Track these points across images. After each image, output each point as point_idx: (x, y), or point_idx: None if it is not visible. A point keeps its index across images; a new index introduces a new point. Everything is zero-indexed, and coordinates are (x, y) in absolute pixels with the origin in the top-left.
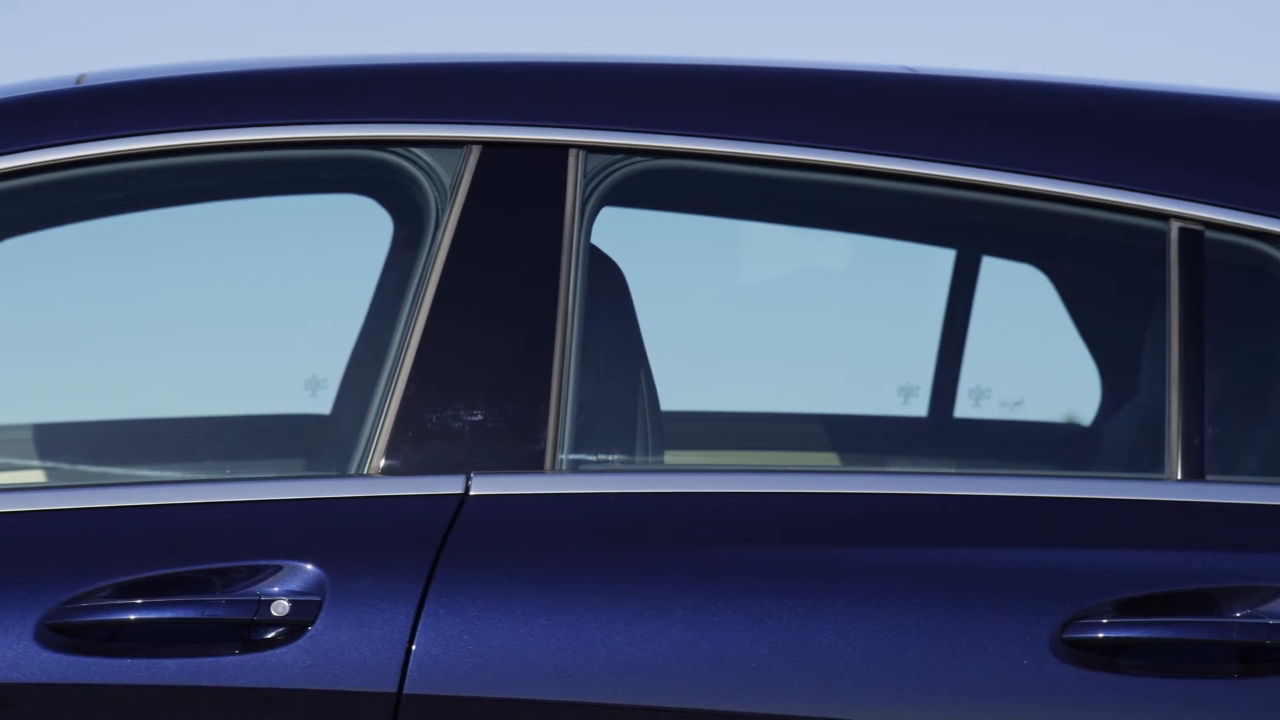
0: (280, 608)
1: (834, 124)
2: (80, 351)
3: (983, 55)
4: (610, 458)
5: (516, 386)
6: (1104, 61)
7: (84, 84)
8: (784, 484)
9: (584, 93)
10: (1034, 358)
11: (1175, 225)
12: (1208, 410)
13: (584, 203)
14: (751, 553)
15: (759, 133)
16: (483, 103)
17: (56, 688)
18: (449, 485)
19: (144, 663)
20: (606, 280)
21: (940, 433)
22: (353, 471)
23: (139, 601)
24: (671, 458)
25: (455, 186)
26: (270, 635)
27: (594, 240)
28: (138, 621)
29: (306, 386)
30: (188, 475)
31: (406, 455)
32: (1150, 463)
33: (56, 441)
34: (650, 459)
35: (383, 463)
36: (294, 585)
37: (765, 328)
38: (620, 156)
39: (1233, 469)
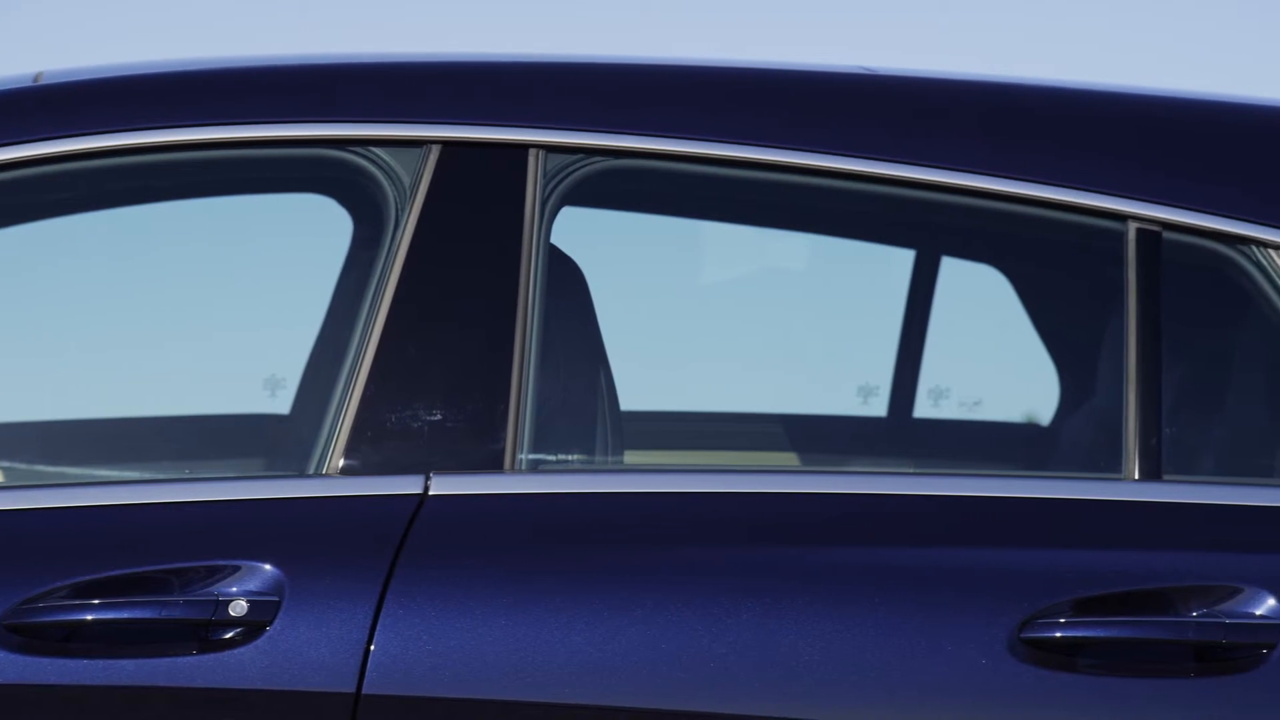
0: (238, 608)
1: (793, 124)
2: (37, 351)
3: (974, 56)
4: (570, 457)
5: (476, 386)
6: (1093, 63)
7: (40, 82)
8: (743, 484)
9: (544, 93)
10: (993, 358)
11: (1133, 226)
12: (1165, 410)
13: (544, 202)
14: (711, 553)
15: (718, 133)
16: (442, 102)
17: (13, 688)
18: (408, 485)
19: (101, 663)
20: (566, 280)
21: (899, 433)
22: (312, 471)
23: (96, 602)
24: (631, 458)
25: (415, 186)
26: (228, 635)
27: (554, 240)
28: (95, 622)
29: (265, 386)
30: (146, 475)
31: (365, 455)
32: (1108, 463)
33: (13, 441)
34: (610, 459)
35: (342, 462)
36: (252, 585)
37: (725, 328)
38: (580, 156)
39: (1190, 469)
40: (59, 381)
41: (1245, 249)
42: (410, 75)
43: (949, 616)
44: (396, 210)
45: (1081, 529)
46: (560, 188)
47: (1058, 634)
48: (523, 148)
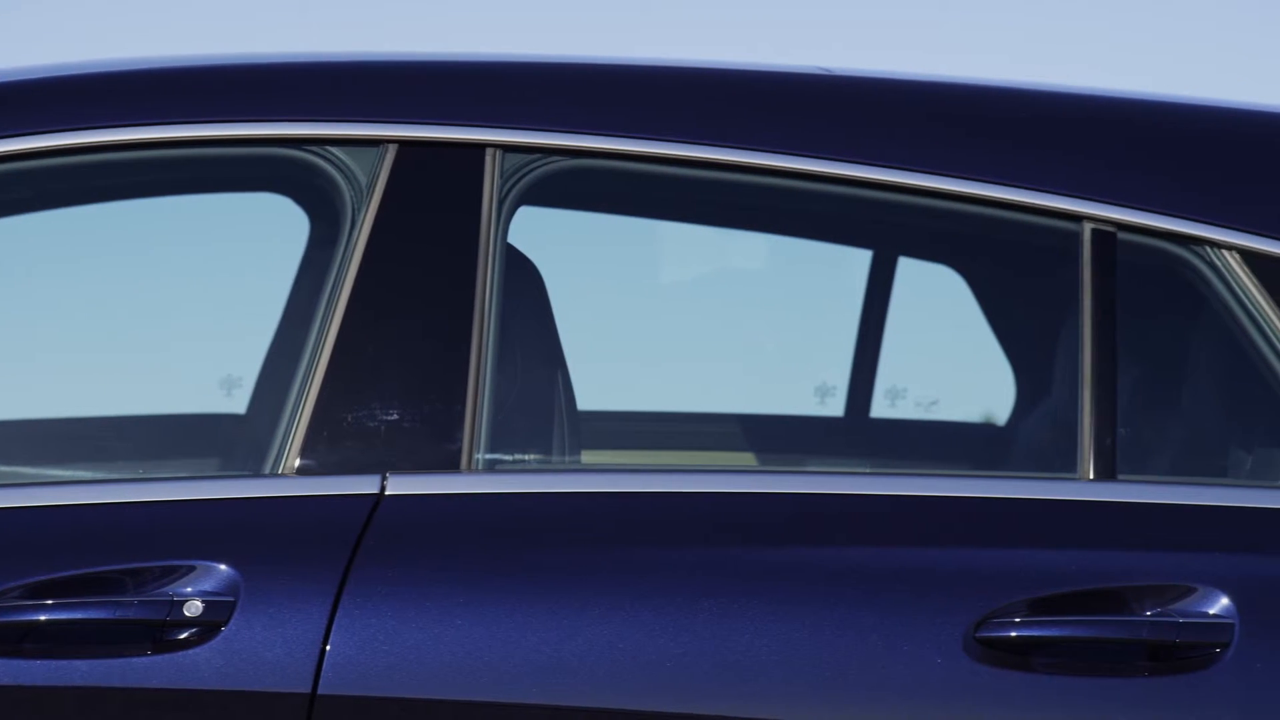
0: (193, 608)
1: (750, 124)
2: None
3: (966, 56)
4: (527, 457)
5: (433, 386)
6: (1079, 64)
7: None
8: (700, 484)
9: (501, 92)
10: (949, 358)
11: (1088, 226)
12: (1120, 411)
13: (501, 202)
14: (668, 553)
15: (675, 133)
16: (399, 102)
17: None
18: (364, 485)
19: (55, 664)
20: (523, 280)
21: (856, 433)
22: (268, 471)
23: (50, 602)
24: (588, 457)
25: (371, 186)
26: (183, 636)
27: (511, 240)
28: (49, 622)
29: (221, 386)
30: (101, 475)
31: (322, 455)
32: (1063, 463)
33: None
34: (567, 459)
35: (298, 462)
36: (207, 585)
37: (682, 327)
38: (537, 156)
39: (1144, 469)
40: (12, 381)
41: (1200, 250)
42: (367, 75)
43: (905, 616)
44: (353, 210)
45: (1037, 529)
46: (517, 187)
47: (1013, 633)
48: (479, 147)
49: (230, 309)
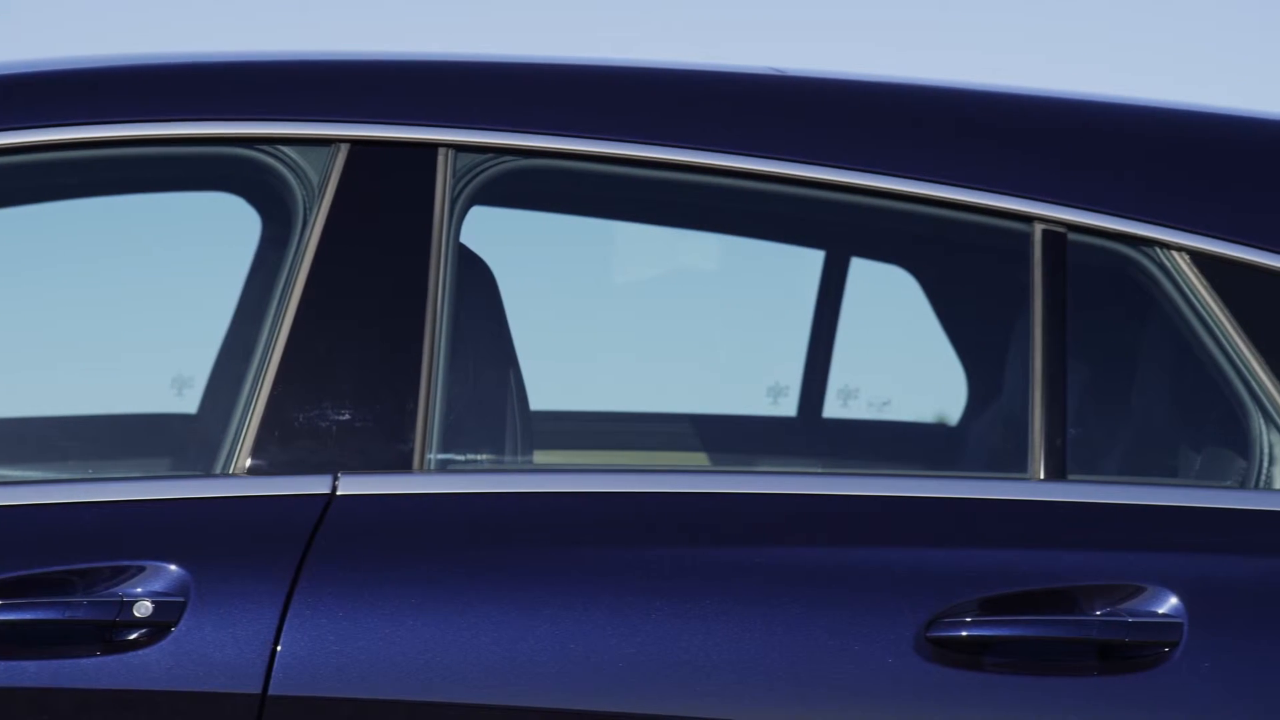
0: (143, 608)
1: (703, 125)
2: None
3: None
4: (479, 457)
5: (385, 386)
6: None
7: None
8: (653, 484)
9: (453, 91)
10: (902, 358)
11: (1039, 228)
12: (1070, 411)
13: (453, 202)
14: (620, 553)
15: (628, 133)
16: (351, 101)
17: None
18: (316, 485)
19: (3, 665)
20: (476, 280)
21: (809, 433)
22: (219, 471)
23: None
24: (541, 457)
25: (323, 185)
26: (133, 636)
27: (463, 240)
28: None
29: (172, 385)
30: (50, 475)
31: (273, 455)
32: (1014, 463)
33: None
34: (519, 459)
35: (249, 462)
36: (157, 586)
37: (635, 327)
38: (489, 156)
39: (1094, 469)
40: None
41: (1150, 251)
42: (318, 74)
43: (857, 616)
44: (305, 209)
45: (987, 529)
46: (470, 187)
47: (963, 633)
48: (432, 147)
49: (182, 308)
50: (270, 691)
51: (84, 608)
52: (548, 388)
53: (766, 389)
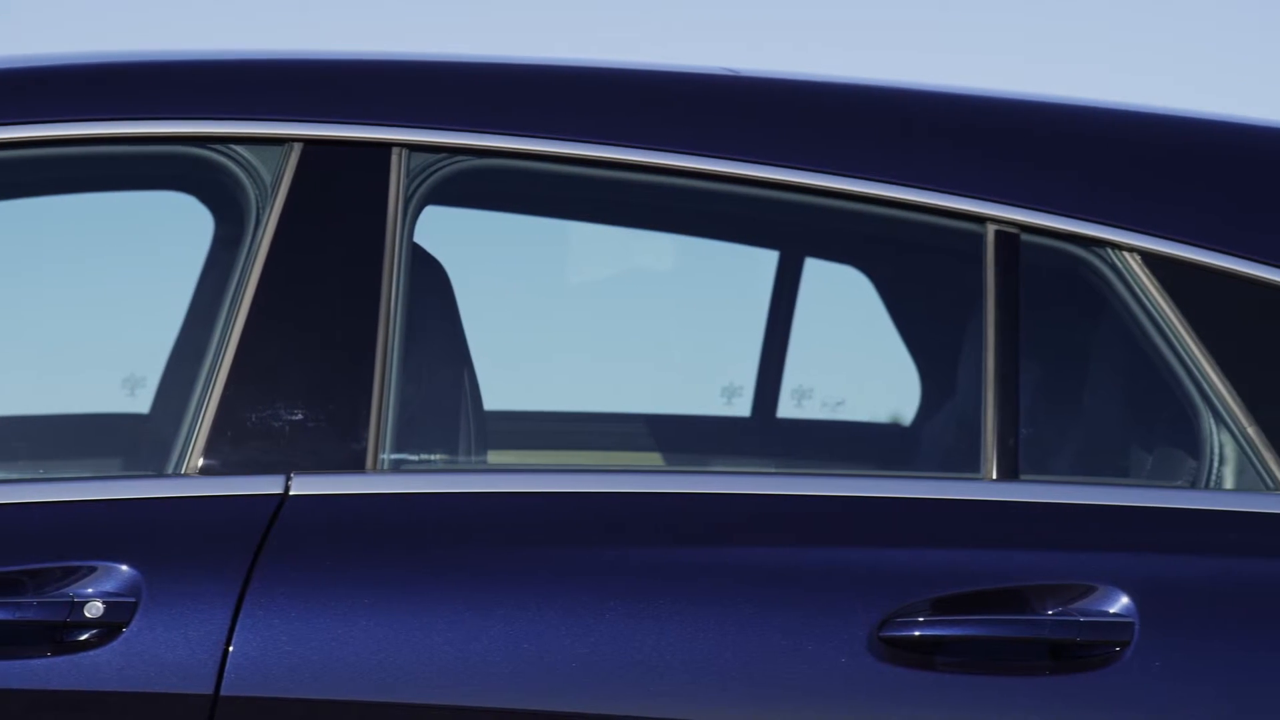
0: (94, 609)
1: (656, 125)
2: None
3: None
4: (432, 457)
5: (338, 386)
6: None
7: None
8: (607, 484)
9: (407, 91)
10: (856, 358)
11: (991, 228)
12: (1022, 411)
13: (407, 202)
14: (574, 553)
15: (582, 133)
16: (304, 100)
17: None
18: (268, 485)
19: None
20: (429, 280)
21: (763, 433)
22: (171, 471)
23: None
24: (494, 457)
25: (276, 184)
26: (84, 637)
27: (417, 239)
28: None
29: (125, 385)
30: (1, 475)
31: (226, 455)
32: (967, 463)
33: None
34: (473, 459)
35: (201, 462)
36: (108, 586)
37: (590, 328)
38: (443, 155)
39: (1046, 469)
40: None
41: (1101, 251)
42: (272, 73)
43: (810, 616)
44: (258, 209)
45: (940, 528)
46: (423, 187)
47: (916, 633)
48: (385, 146)
49: (134, 308)
50: (222, 692)
51: (34, 608)
52: (502, 388)
53: (721, 389)
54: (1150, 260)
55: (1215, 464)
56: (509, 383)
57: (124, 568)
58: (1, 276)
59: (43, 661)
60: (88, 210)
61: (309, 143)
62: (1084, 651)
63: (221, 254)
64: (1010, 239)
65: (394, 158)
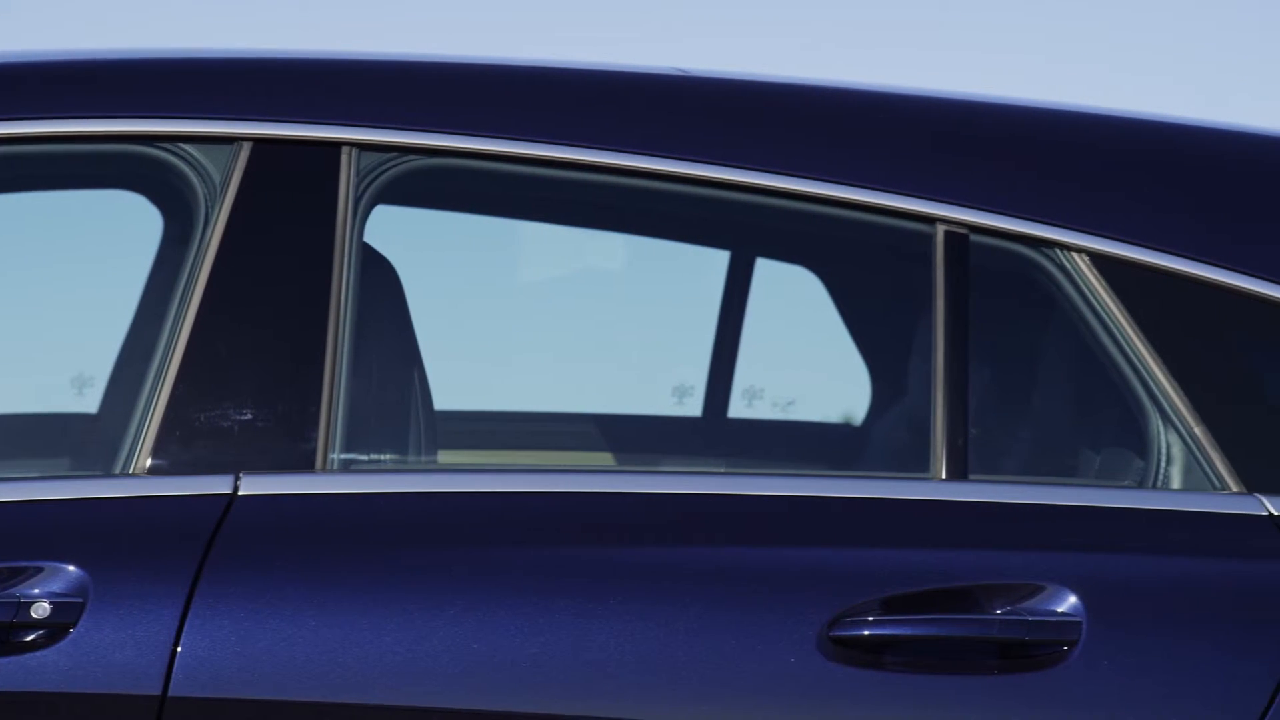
0: (41, 609)
1: (607, 124)
2: None
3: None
4: (382, 457)
5: (287, 385)
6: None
7: None
8: (557, 484)
9: (357, 90)
10: (807, 359)
11: (941, 229)
12: (972, 411)
13: (357, 201)
14: (524, 553)
15: (533, 133)
16: (254, 99)
17: None
18: (217, 485)
19: None
20: (380, 279)
21: (714, 433)
22: (119, 471)
23: None
24: (445, 457)
25: (225, 184)
26: (30, 638)
27: (367, 239)
28: None
29: (73, 385)
30: None
31: (174, 455)
32: (916, 463)
33: None
34: (423, 459)
35: (149, 462)
36: (55, 587)
37: (541, 327)
38: (394, 155)
39: (995, 469)
40: None
41: (1050, 252)
42: (221, 71)
43: (759, 615)
44: (207, 208)
45: (889, 528)
46: (373, 186)
47: (865, 632)
48: (335, 146)
49: (82, 307)
50: (170, 693)
51: None
52: (452, 387)
53: (672, 389)
54: (1098, 261)
55: (1162, 464)
56: (459, 382)
57: (71, 568)
58: None
59: None
60: (36, 209)
61: (258, 141)
62: (1032, 650)
63: (171, 253)
64: (960, 239)
65: (344, 157)
